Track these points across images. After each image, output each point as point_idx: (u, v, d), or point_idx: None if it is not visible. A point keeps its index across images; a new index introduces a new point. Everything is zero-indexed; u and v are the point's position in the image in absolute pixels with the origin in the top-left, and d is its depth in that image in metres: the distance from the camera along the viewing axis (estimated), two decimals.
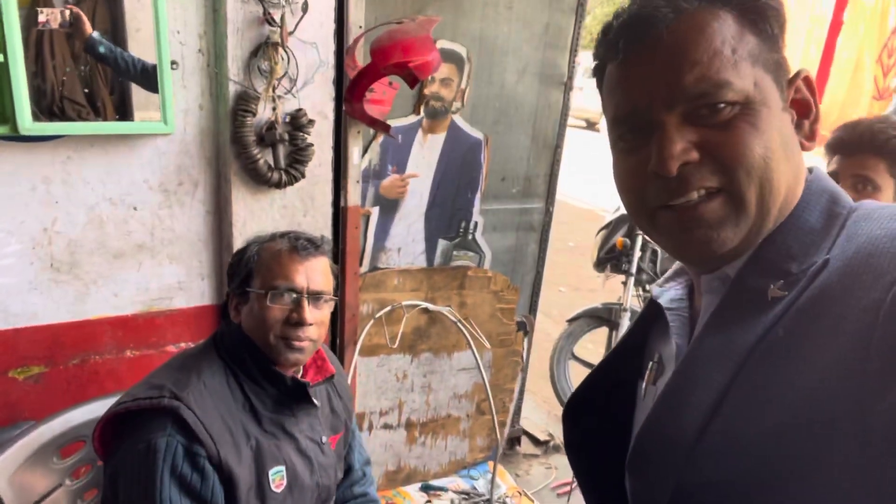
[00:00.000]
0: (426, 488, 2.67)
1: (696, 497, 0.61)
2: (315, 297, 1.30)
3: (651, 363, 0.77)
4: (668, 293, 0.76)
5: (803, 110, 0.65)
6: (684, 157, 0.60)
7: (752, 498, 0.57)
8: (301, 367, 1.39)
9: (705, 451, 0.60)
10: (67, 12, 1.60)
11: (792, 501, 0.55)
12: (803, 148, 0.65)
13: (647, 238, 3.41)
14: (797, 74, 0.65)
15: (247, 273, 1.31)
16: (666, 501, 0.63)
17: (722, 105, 0.60)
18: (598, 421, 0.84)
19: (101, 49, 1.66)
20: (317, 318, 1.30)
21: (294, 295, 1.28)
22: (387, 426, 2.56)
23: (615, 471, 0.72)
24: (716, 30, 0.60)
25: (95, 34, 1.64)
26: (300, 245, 1.30)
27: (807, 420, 0.53)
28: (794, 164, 0.63)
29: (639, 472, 0.69)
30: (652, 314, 0.80)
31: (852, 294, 0.54)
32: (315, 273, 1.30)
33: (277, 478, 1.28)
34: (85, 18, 1.62)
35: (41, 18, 1.57)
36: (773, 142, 0.60)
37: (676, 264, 0.80)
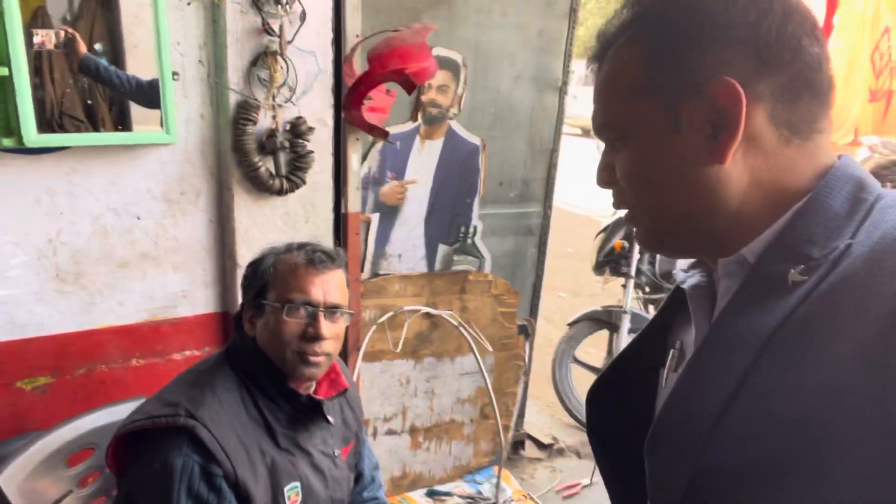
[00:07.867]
0: (432, 494, 2.67)
1: (715, 481, 0.60)
2: (331, 310, 1.28)
3: (673, 350, 0.76)
4: (692, 279, 0.75)
5: (719, 123, 0.61)
6: (604, 174, 0.70)
7: (770, 483, 0.56)
8: (314, 382, 1.38)
9: (724, 434, 0.59)
10: (62, 33, 1.61)
11: (809, 487, 0.54)
12: (708, 163, 0.62)
13: None
14: (710, 88, 0.60)
15: (262, 285, 1.29)
16: (684, 485, 0.62)
17: (610, 137, 0.68)
18: (620, 408, 0.83)
19: (96, 68, 1.68)
20: (333, 332, 1.28)
21: (310, 309, 1.26)
22: (391, 432, 2.57)
23: (636, 458, 0.71)
24: (619, 67, 0.66)
25: (90, 54, 1.66)
26: (317, 258, 1.28)
27: (826, 407, 0.53)
28: (691, 186, 0.63)
29: (657, 456, 0.68)
30: (676, 300, 0.79)
31: (875, 280, 0.53)
32: (331, 286, 1.29)
33: (293, 494, 1.26)
34: (80, 39, 1.63)
35: (37, 40, 1.57)
36: (653, 171, 0.65)
37: None
